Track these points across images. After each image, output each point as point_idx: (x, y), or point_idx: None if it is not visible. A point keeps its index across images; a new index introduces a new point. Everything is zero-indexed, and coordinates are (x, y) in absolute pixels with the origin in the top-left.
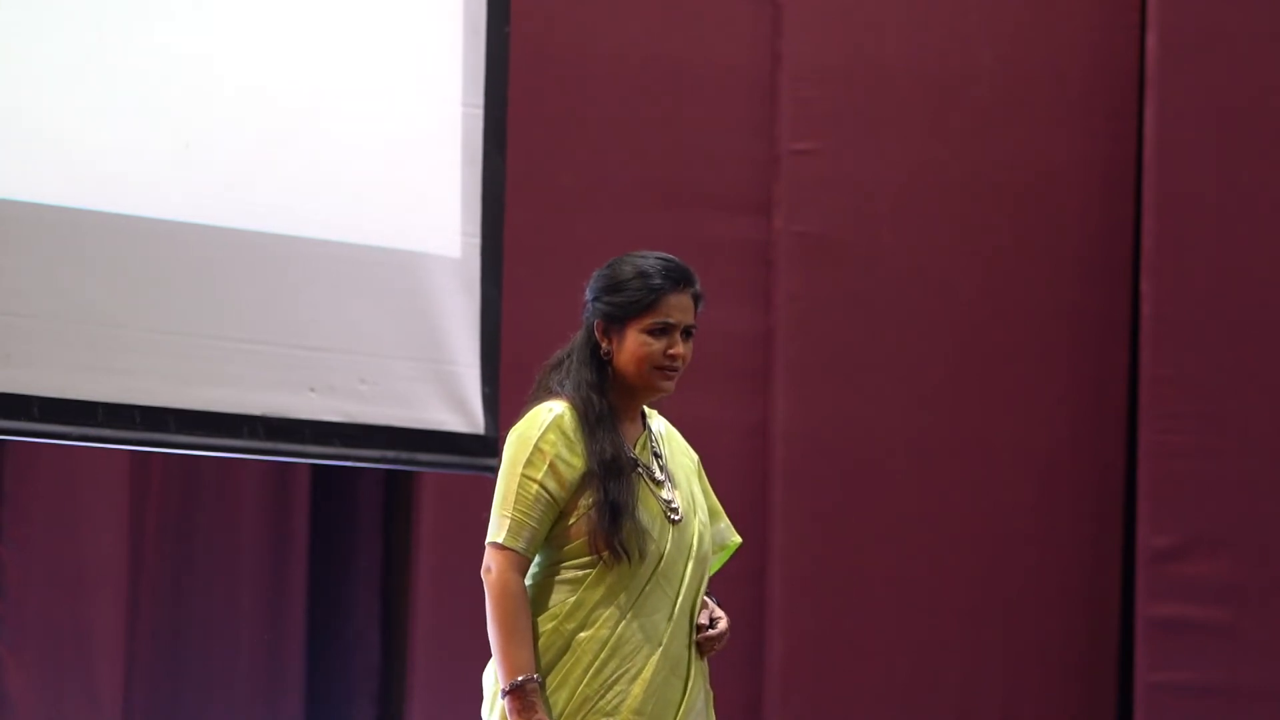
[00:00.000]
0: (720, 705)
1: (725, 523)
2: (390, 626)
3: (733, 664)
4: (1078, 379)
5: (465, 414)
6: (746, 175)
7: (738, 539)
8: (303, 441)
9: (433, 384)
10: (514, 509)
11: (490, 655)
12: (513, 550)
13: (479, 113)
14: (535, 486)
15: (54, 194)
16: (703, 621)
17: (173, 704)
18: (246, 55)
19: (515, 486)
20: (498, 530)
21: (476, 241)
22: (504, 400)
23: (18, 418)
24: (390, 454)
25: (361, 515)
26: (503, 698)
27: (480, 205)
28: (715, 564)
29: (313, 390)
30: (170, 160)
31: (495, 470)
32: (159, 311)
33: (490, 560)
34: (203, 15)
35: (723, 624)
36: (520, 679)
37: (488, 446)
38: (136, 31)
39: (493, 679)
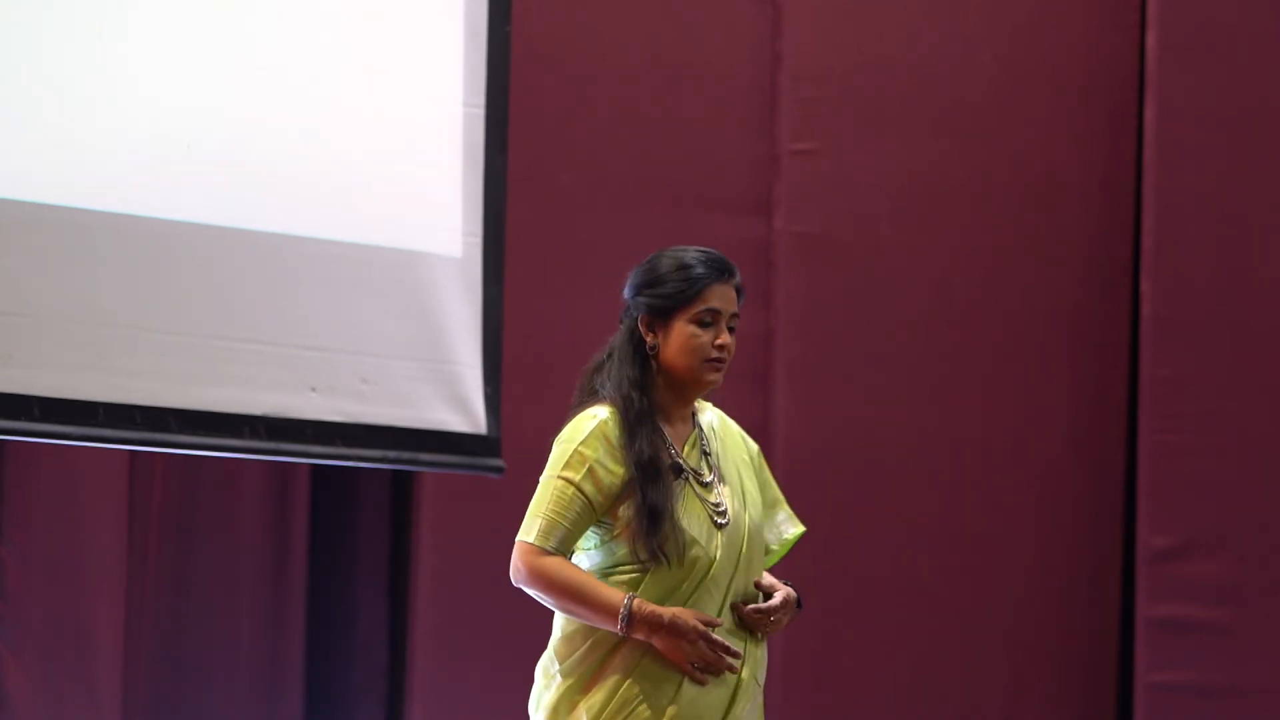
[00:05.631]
0: None
1: (786, 513)
2: (396, 627)
3: None
4: (1078, 379)
5: (467, 414)
6: (746, 175)
7: (799, 529)
8: (304, 441)
9: (434, 384)
10: (548, 509)
11: (544, 647)
12: (541, 549)
13: (480, 113)
14: (572, 489)
15: (54, 194)
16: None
17: (173, 704)
18: (248, 55)
19: (551, 489)
20: (528, 530)
21: (478, 241)
22: (506, 400)
23: (18, 418)
24: (392, 454)
25: (363, 516)
26: (627, 633)
27: (481, 205)
28: (774, 557)
29: (314, 390)
30: (172, 160)
31: (497, 470)
32: (160, 311)
33: (518, 559)
34: (204, 15)
35: (777, 597)
36: (623, 609)
37: (489, 446)
38: (137, 31)
39: (541, 674)
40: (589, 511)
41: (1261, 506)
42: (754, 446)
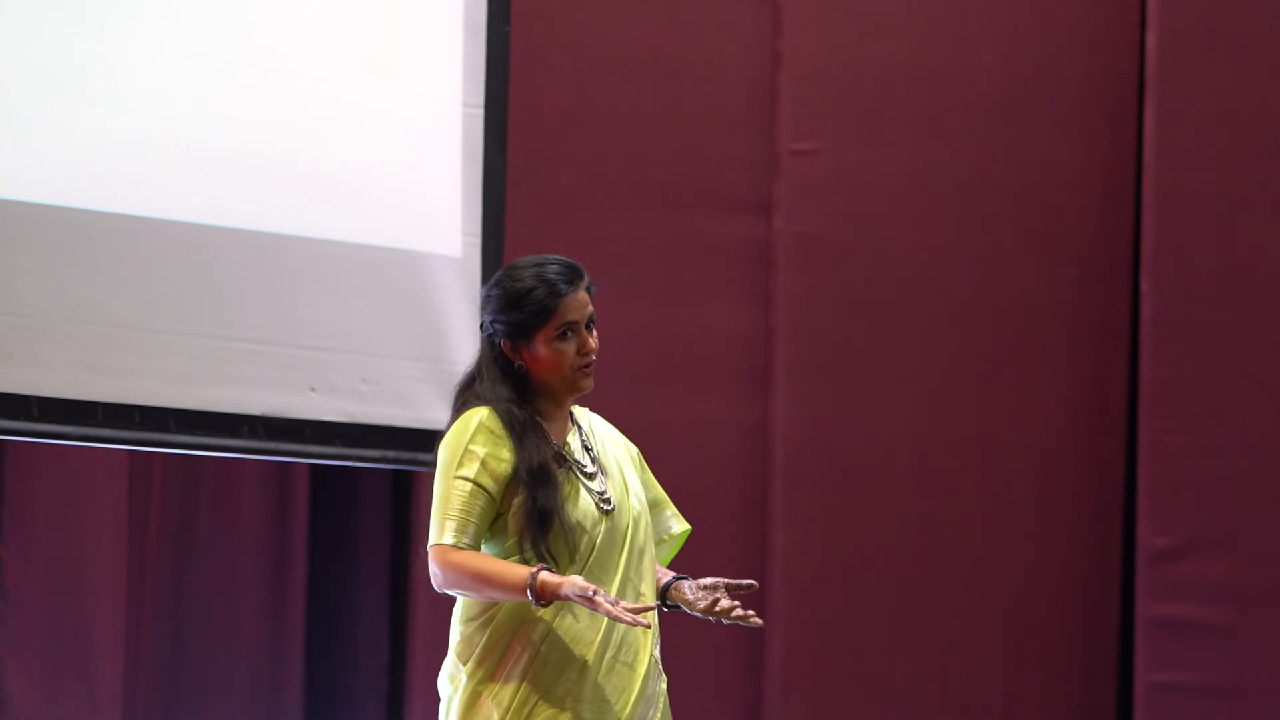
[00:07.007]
0: (720, 705)
1: (671, 511)
2: (396, 627)
3: (733, 664)
4: (1078, 379)
5: None
6: (746, 175)
7: (686, 527)
8: (303, 441)
9: (434, 383)
10: (453, 509)
11: (442, 660)
12: (455, 546)
13: (479, 112)
14: (470, 485)
15: (54, 194)
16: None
17: (173, 704)
18: (247, 55)
19: (452, 489)
20: (439, 533)
21: (477, 241)
22: None
23: (18, 418)
24: (391, 454)
25: (364, 515)
26: (539, 603)
27: (481, 205)
28: (669, 554)
29: (313, 390)
30: (171, 160)
31: None
32: (159, 311)
33: (433, 563)
34: (203, 15)
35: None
36: (531, 576)
37: None
38: (137, 31)
39: (448, 682)
40: (491, 504)
41: (1261, 506)
42: (635, 449)
